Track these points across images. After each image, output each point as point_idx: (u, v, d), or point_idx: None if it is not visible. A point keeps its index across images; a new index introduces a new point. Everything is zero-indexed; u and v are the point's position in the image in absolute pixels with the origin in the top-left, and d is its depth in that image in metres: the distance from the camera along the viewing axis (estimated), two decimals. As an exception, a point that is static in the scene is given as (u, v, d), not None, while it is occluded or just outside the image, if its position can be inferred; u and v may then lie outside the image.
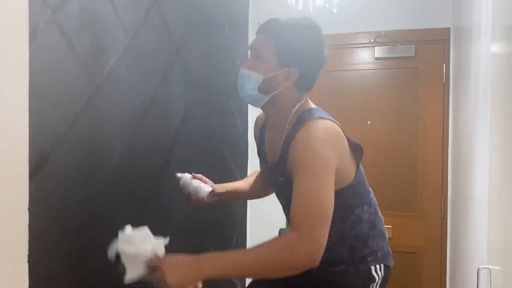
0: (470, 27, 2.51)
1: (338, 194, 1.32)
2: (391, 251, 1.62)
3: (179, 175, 1.68)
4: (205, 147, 2.31)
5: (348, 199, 1.45)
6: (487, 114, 1.92)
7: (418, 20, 3.35)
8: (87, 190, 1.37)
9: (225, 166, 2.64)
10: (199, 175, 1.74)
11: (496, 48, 1.92)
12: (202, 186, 1.64)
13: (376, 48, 3.47)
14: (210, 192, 1.63)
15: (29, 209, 1.06)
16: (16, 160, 1.02)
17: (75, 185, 1.30)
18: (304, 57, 1.41)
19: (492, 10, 1.94)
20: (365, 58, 3.53)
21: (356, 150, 1.49)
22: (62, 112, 1.26)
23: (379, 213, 1.60)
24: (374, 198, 1.60)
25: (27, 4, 1.01)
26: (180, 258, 1.17)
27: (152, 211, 1.77)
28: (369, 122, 3.48)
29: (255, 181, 1.88)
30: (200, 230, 2.25)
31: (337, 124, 1.46)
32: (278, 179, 1.49)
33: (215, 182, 1.82)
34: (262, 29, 1.44)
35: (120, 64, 1.58)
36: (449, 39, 3.29)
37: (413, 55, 3.37)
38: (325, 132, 1.35)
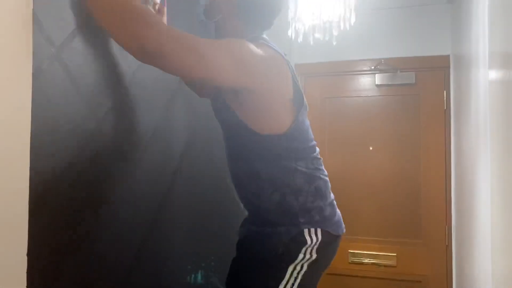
0: (469, 55, 2.54)
1: (269, 139, 1.29)
2: (339, 220, 1.45)
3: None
4: (207, 176, 2.31)
5: (279, 149, 1.33)
6: (488, 141, 1.92)
7: (418, 47, 3.40)
8: (87, 226, 1.37)
9: (227, 195, 2.64)
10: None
11: (494, 75, 1.94)
12: None
13: (377, 75, 3.51)
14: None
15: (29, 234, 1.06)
16: (17, 192, 1.03)
17: (74, 221, 1.31)
18: None
19: (489, 38, 1.97)
20: (366, 85, 3.56)
21: (298, 102, 1.34)
22: (64, 147, 1.27)
23: (324, 177, 1.45)
24: (321, 161, 1.47)
25: (31, 43, 1.03)
26: None
27: (152, 246, 1.77)
28: (371, 148, 3.49)
29: None
30: (204, 262, 2.23)
31: (282, 56, 1.31)
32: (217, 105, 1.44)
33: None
34: None
35: (123, 97, 1.60)
36: (449, 66, 3.32)
37: (414, 82, 3.41)
38: (256, 49, 1.21)
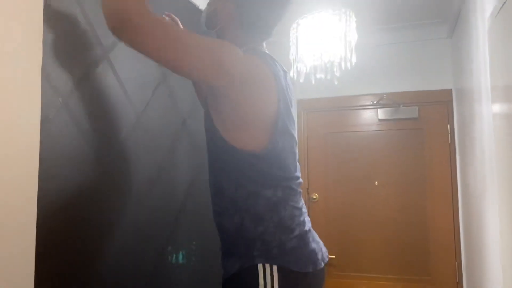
0: (471, 88, 2.56)
1: (240, 155, 1.20)
2: (310, 254, 1.24)
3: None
4: (211, 213, 2.30)
5: (248, 169, 1.22)
6: (494, 175, 1.91)
7: (420, 82, 3.43)
8: (94, 270, 1.36)
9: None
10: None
11: (497, 108, 1.94)
12: None
13: (379, 109, 3.53)
14: None
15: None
16: (24, 241, 1.03)
17: (81, 266, 1.30)
18: None
19: (490, 72, 1.99)
20: (368, 119, 3.58)
21: (281, 124, 1.24)
22: (70, 194, 1.28)
23: (293, 209, 1.27)
24: (296, 193, 1.29)
25: (40, 94, 1.05)
26: None
27: (158, 285, 1.74)
28: (376, 183, 3.47)
29: None
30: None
31: (272, 71, 1.24)
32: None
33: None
34: None
35: (128, 141, 1.62)
36: (451, 100, 3.34)
37: (417, 116, 3.42)
38: (242, 55, 1.17)
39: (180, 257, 1.87)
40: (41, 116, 1.12)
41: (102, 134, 1.47)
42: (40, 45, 0.96)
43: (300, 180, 1.33)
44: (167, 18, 1.54)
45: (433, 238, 3.30)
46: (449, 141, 3.33)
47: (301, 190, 1.32)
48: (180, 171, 2.01)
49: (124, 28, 0.98)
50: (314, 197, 3.63)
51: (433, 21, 3.29)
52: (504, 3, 1.64)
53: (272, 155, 1.22)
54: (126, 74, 1.65)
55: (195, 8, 2.30)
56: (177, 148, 2.00)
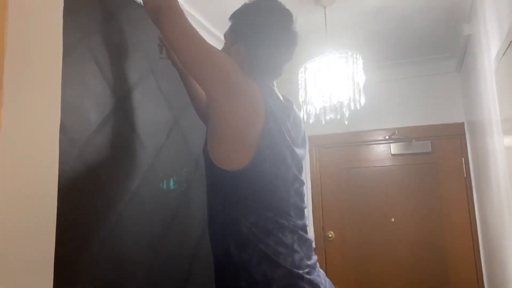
0: (482, 121, 2.56)
1: (221, 173, 1.21)
2: None
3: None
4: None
5: (231, 191, 1.22)
6: (511, 209, 1.88)
7: (431, 116, 3.44)
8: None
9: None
10: None
11: (509, 141, 1.93)
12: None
13: (391, 144, 3.53)
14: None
15: None
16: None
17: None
18: (252, 34, 1.32)
19: (499, 105, 1.99)
20: (381, 154, 3.58)
21: (267, 147, 1.21)
22: (86, 243, 1.30)
23: (282, 241, 1.21)
24: (286, 227, 1.23)
25: (58, 149, 1.09)
26: None
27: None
28: (393, 220, 3.42)
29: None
30: None
31: (260, 89, 1.27)
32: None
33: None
34: (230, 16, 1.42)
35: (142, 187, 1.65)
36: (464, 134, 3.33)
37: (430, 150, 3.41)
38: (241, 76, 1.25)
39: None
40: (59, 168, 1.15)
41: (117, 182, 1.50)
42: (59, 100, 1.01)
43: (297, 223, 1.27)
44: None
45: (454, 274, 3.21)
46: (465, 175, 3.30)
47: (303, 234, 1.27)
48: (193, 215, 2.02)
49: (161, 14, 1.26)
50: (330, 235, 3.59)
51: (441, 55, 3.32)
52: (504, 52, 1.67)
53: (254, 175, 1.20)
54: (140, 122, 1.70)
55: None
56: (190, 191, 2.02)
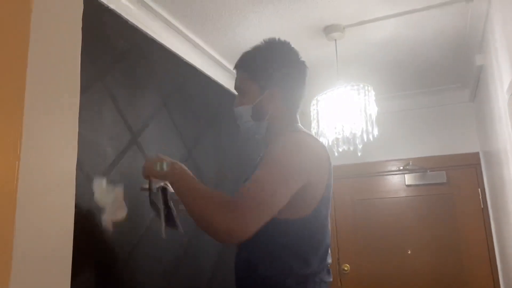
0: (498, 152, 2.53)
1: (282, 224, 1.20)
2: None
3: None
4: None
5: (287, 238, 1.23)
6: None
7: (446, 146, 3.41)
8: None
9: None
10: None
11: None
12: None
13: (406, 175, 3.50)
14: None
15: None
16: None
17: None
18: (278, 75, 1.38)
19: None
20: (396, 185, 3.54)
21: (325, 198, 1.28)
22: (100, 277, 1.30)
23: (326, 284, 1.28)
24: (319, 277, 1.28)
25: (74, 188, 1.09)
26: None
27: None
28: (409, 252, 3.35)
29: None
30: None
31: (314, 139, 1.34)
32: None
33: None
34: (237, 66, 1.45)
35: (156, 220, 1.65)
36: (480, 164, 3.29)
37: (445, 181, 3.37)
38: (295, 143, 1.26)
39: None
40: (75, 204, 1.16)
41: (131, 216, 1.51)
42: (76, 136, 1.03)
43: (330, 263, 1.33)
44: None
45: (474, 310, 3.11)
46: (482, 206, 3.24)
47: (330, 274, 1.33)
48: (205, 247, 2.01)
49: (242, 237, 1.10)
50: (345, 268, 3.52)
51: (454, 85, 3.33)
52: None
53: (314, 223, 1.25)
54: (154, 154, 1.72)
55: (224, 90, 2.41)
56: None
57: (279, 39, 1.42)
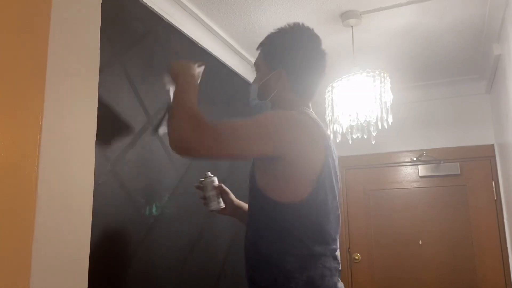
0: (514, 144, 2.51)
1: (280, 208, 1.23)
2: None
3: (209, 173, 1.56)
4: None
5: (286, 221, 1.24)
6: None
7: (460, 138, 3.38)
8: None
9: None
10: (221, 186, 1.58)
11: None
12: (215, 200, 1.52)
13: (419, 166, 3.48)
14: (217, 210, 1.53)
15: None
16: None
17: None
18: (290, 58, 1.38)
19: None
20: (409, 176, 3.53)
21: (325, 178, 1.27)
22: (117, 255, 1.33)
23: (324, 269, 1.25)
24: (327, 253, 1.28)
25: (93, 163, 1.12)
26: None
27: None
28: (420, 242, 3.35)
29: None
30: None
31: (310, 119, 1.31)
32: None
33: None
34: (259, 45, 1.47)
35: (171, 203, 1.67)
36: (494, 156, 3.26)
37: (459, 172, 3.34)
38: (284, 115, 1.28)
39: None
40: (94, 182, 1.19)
41: (146, 197, 1.53)
42: (95, 117, 1.05)
43: (336, 248, 1.31)
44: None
45: (485, 301, 3.10)
46: (495, 198, 3.21)
47: (339, 260, 1.32)
48: (219, 232, 2.03)
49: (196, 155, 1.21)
50: (356, 257, 3.53)
51: (470, 77, 3.29)
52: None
53: (311, 207, 1.24)
54: (170, 139, 1.73)
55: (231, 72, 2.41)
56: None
57: (302, 24, 1.42)
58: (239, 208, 1.59)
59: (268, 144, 1.20)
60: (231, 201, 1.56)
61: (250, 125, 1.22)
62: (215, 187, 1.50)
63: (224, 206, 1.51)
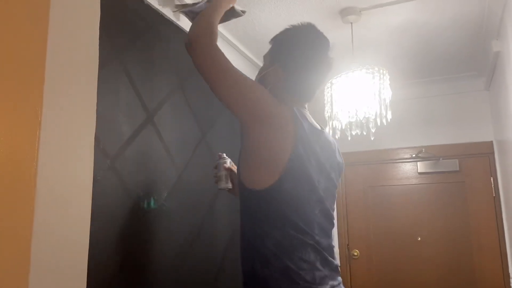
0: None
1: (250, 194, 1.27)
2: None
3: (224, 155, 1.65)
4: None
5: (255, 207, 1.28)
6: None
7: (459, 134, 3.39)
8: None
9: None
10: (231, 168, 1.65)
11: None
12: (224, 179, 1.62)
13: (418, 163, 3.49)
14: (224, 188, 1.63)
15: None
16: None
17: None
18: (289, 56, 1.38)
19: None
20: (408, 173, 3.53)
21: (295, 166, 1.25)
22: (115, 252, 1.33)
23: (301, 262, 1.23)
24: (308, 244, 1.25)
25: (92, 159, 1.12)
26: None
27: None
28: (419, 239, 3.36)
29: None
30: None
31: (291, 113, 1.29)
32: None
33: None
34: (272, 39, 1.47)
35: (170, 199, 1.68)
36: (493, 153, 3.27)
37: (458, 169, 3.35)
38: (272, 99, 1.29)
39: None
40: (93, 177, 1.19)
41: (145, 193, 1.54)
42: (94, 113, 1.05)
43: (321, 242, 1.28)
44: None
45: (483, 297, 3.12)
46: (494, 195, 3.22)
47: (327, 256, 1.28)
48: (218, 228, 2.04)
49: (196, 47, 1.29)
50: (355, 253, 3.54)
51: (469, 74, 3.29)
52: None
53: (278, 194, 1.24)
54: (169, 135, 1.74)
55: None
56: (215, 206, 2.04)
57: (313, 26, 1.43)
58: None
59: (244, 99, 1.26)
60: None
61: (242, 78, 1.27)
62: (225, 168, 1.60)
63: (231, 187, 1.60)
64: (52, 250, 0.91)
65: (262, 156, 1.26)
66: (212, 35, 1.32)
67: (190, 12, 1.58)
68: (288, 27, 1.43)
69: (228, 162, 1.62)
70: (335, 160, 1.42)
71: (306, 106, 1.43)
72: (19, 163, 0.89)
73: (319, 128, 1.41)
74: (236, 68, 1.28)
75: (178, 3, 1.93)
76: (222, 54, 1.29)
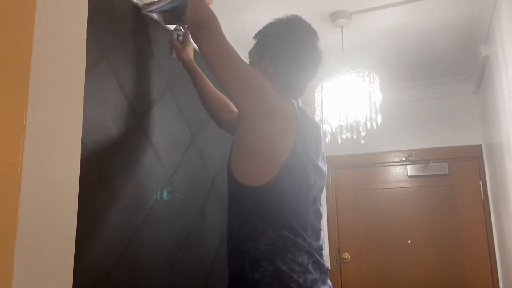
0: (500, 144, 2.53)
1: (244, 190, 1.22)
2: None
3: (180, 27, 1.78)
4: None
5: (250, 206, 1.22)
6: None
7: (448, 138, 3.41)
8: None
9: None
10: (175, 41, 1.76)
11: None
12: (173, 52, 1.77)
13: (408, 166, 3.50)
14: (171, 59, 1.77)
15: None
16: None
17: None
18: (277, 50, 1.33)
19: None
20: (398, 176, 3.54)
21: (293, 165, 1.22)
22: (103, 256, 1.31)
23: (293, 264, 1.19)
24: (300, 248, 1.22)
25: (79, 164, 1.10)
26: None
27: None
28: (409, 242, 3.37)
29: (220, 95, 1.74)
30: None
31: (293, 108, 1.28)
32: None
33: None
34: (255, 34, 1.44)
35: (159, 203, 1.66)
36: (482, 156, 3.29)
37: (447, 172, 3.37)
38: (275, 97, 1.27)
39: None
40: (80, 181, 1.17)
41: (134, 198, 1.52)
42: (81, 116, 1.04)
43: (313, 244, 1.26)
44: None
45: (472, 300, 3.13)
46: (482, 198, 3.25)
47: (319, 259, 1.26)
48: (208, 232, 2.02)
49: (201, 30, 1.28)
50: (346, 257, 3.54)
51: (458, 77, 3.31)
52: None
53: (275, 192, 1.20)
54: (158, 138, 1.72)
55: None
56: (206, 209, 2.03)
57: (300, 17, 1.40)
58: (192, 65, 1.73)
59: (250, 90, 1.22)
60: (188, 57, 1.74)
61: (249, 68, 1.26)
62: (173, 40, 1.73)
63: (175, 58, 1.73)
64: (36, 255, 0.89)
65: (261, 149, 1.21)
66: (217, 19, 1.31)
67: (160, 10, 1.64)
68: (272, 20, 1.38)
69: (176, 35, 1.73)
70: (323, 157, 1.41)
71: (300, 101, 1.40)
72: (3, 167, 0.87)
73: (318, 124, 1.39)
74: (241, 58, 1.26)
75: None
76: (228, 41, 1.28)
